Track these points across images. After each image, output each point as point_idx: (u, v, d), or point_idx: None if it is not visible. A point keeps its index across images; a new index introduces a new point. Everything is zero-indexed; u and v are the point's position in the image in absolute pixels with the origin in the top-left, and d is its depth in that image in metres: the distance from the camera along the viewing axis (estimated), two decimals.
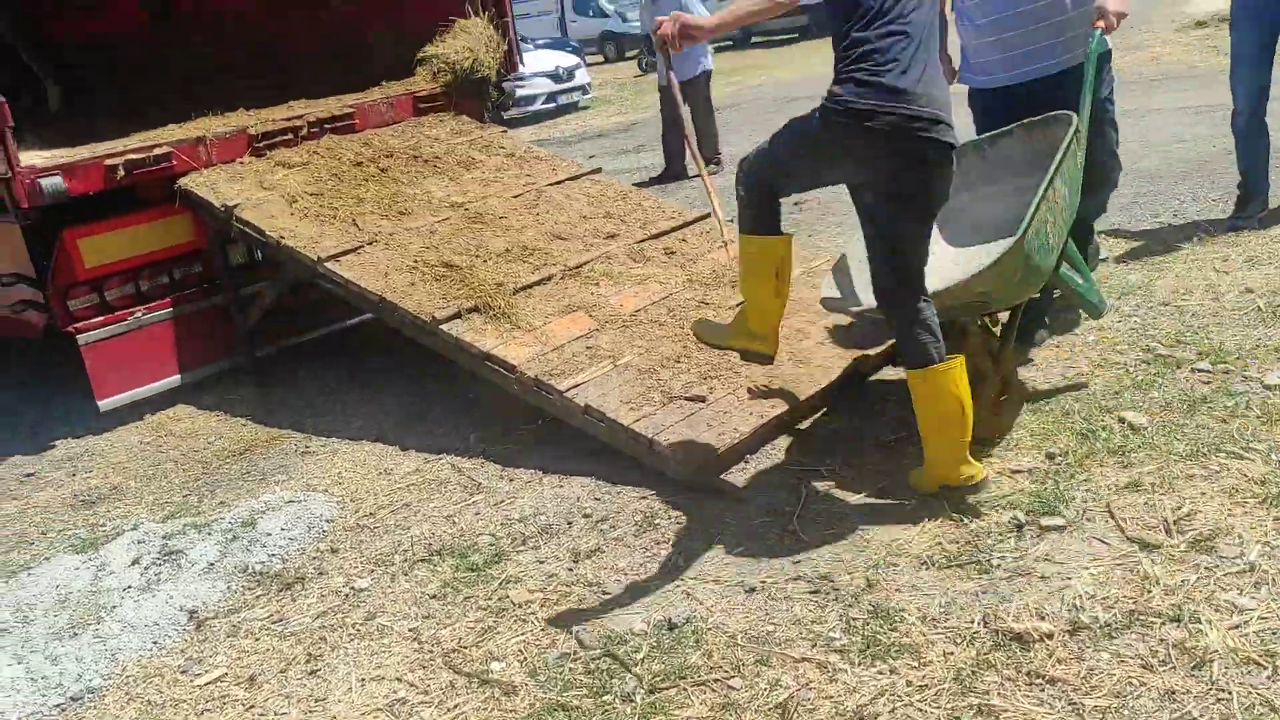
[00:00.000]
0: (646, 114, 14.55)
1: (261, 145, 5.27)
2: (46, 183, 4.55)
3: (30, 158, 4.76)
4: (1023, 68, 3.89)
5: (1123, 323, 4.07)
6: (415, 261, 4.51)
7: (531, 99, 17.00)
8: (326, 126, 5.51)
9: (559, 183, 5.35)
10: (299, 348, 5.39)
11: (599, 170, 5.57)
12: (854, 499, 3.22)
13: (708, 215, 5.17)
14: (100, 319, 4.88)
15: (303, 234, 4.66)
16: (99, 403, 4.86)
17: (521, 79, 17.02)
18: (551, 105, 17.20)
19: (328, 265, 4.46)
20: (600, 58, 27.31)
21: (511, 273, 4.48)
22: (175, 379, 5.12)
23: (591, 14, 27.78)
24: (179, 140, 5.07)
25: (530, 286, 4.41)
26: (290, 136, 5.38)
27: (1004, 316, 3.56)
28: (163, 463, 4.48)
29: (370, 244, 4.62)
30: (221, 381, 5.25)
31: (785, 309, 3.36)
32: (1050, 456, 3.18)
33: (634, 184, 8.93)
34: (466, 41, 6.03)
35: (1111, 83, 3.95)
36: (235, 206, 4.80)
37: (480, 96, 6.13)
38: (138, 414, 5.01)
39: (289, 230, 4.68)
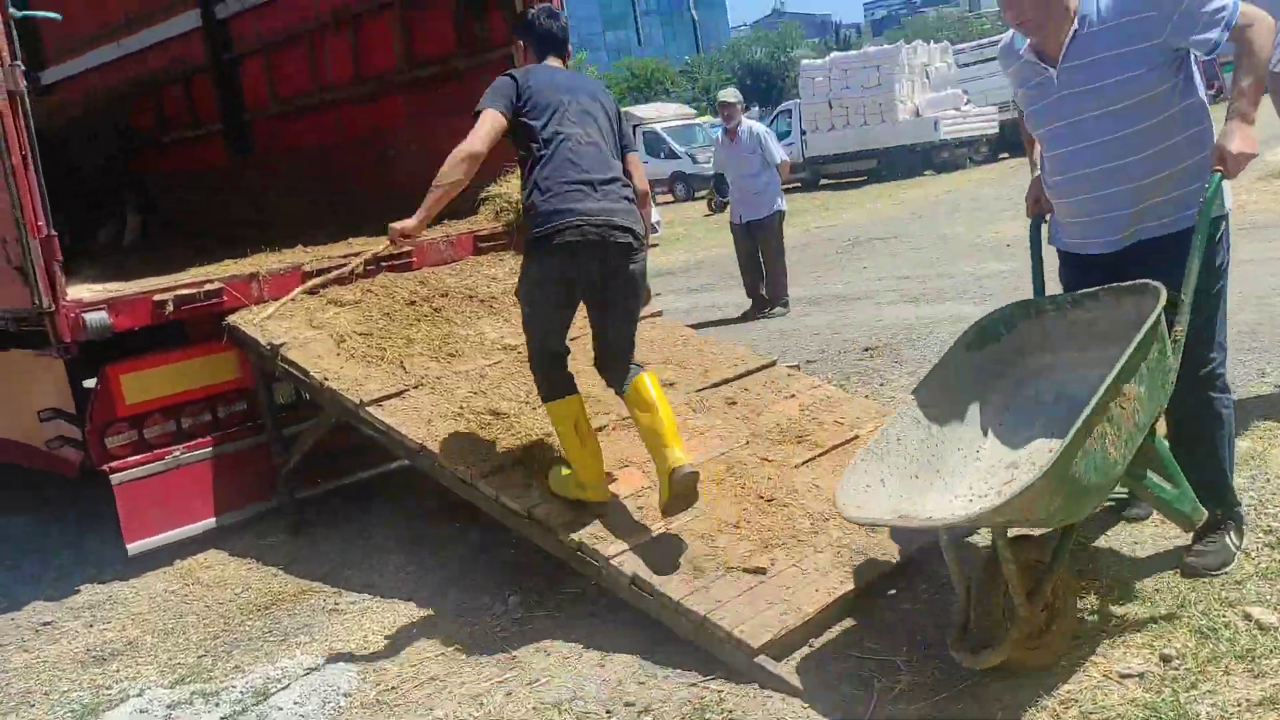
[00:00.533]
0: (714, 252, 14.48)
1: (317, 281, 5.14)
2: (91, 318, 4.44)
3: (79, 291, 4.67)
4: (1094, 236, 3.21)
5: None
6: (461, 408, 4.27)
7: None
8: (383, 264, 5.37)
9: None
10: (341, 490, 5.15)
11: (660, 313, 5.34)
12: (935, 700, 2.80)
13: (772, 363, 4.89)
14: (137, 458, 4.71)
15: (347, 376, 4.45)
16: (128, 546, 4.63)
17: None
18: None
19: (369, 410, 4.24)
20: (670, 197, 27.72)
21: None
22: (211, 522, 4.89)
23: (662, 155, 28.26)
24: (231, 276, 4.96)
25: None
26: (346, 274, 5.25)
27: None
28: (184, 615, 4.21)
29: (416, 388, 4.40)
30: (259, 525, 5.00)
31: (602, 457, 3.78)
32: (1165, 659, 2.75)
33: (708, 321, 8.79)
34: None
35: (1226, 252, 3.18)
36: (281, 345, 4.63)
37: None
38: (169, 558, 4.77)
39: (334, 371, 4.48)
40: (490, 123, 3.69)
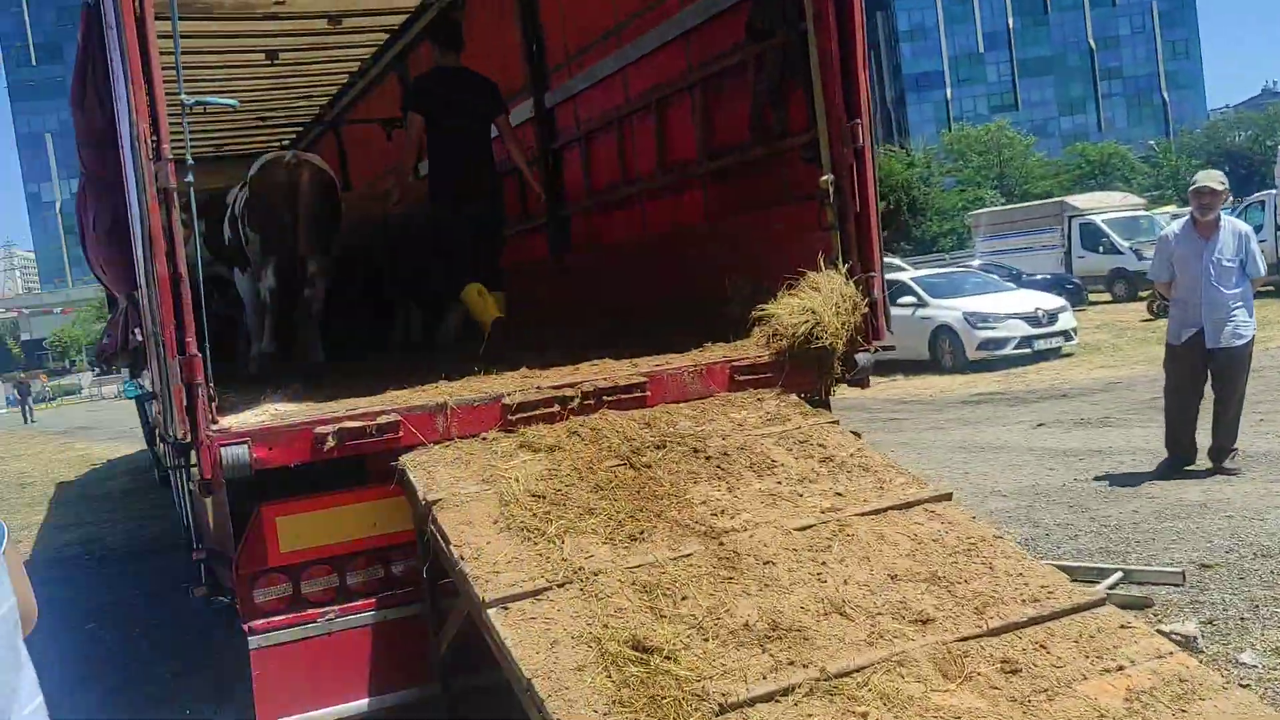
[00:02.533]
0: (1134, 371, 12.04)
1: (515, 418, 4.21)
2: (228, 453, 3.78)
3: (240, 419, 4.06)
4: None
5: None
6: (605, 628, 3.05)
7: (1002, 342, 15.13)
8: (606, 398, 4.33)
9: (878, 512, 3.65)
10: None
11: (948, 497, 3.79)
12: None
13: (1101, 602, 3.19)
14: (284, 617, 3.98)
15: (489, 557, 3.41)
16: None
17: (992, 324, 15.25)
18: (1026, 350, 15.13)
19: (490, 614, 3.16)
20: (1107, 296, 24.56)
21: (734, 670, 2.86)
22: (363, 704, 4.04)
23: (1101, 250, 25.19)
24: (412, 407, 4.14)
25: (752, 703, 2.76)
26: (555, 409, 4.27)
27: None
28: None
29: (563, 585, 3.26)
30: (414, 715, 4.08)
31: None
32: None
33: (1098, 475, 6.75)
34: (810, 301, 4.63)
35: None
36: (436, 502, 3.71)
37: (820, 371, 4.66)
38: None
39: (477, 548, 3.47)
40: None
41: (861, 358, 4.72)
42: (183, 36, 8.58)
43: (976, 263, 26.80)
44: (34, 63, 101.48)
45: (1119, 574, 4.77)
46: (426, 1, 8.94)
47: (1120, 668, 2.88)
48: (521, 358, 5.27)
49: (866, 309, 4.71)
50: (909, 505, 3.69)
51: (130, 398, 12.83)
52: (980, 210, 39.46)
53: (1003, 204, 48.42)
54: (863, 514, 3.63)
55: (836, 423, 4.37)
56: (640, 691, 2.78)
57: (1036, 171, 62.82)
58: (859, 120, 4.70)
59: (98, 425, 29.65)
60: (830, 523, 3.58)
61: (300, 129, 13.60)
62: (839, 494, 3.78)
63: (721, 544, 3.45)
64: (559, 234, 7.94)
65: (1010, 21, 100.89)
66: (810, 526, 3.55)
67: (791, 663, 2.89)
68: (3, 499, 15.24)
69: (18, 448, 25.34)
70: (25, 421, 38.47)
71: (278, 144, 14.48)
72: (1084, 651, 2.94)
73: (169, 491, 9.34)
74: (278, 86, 11.28)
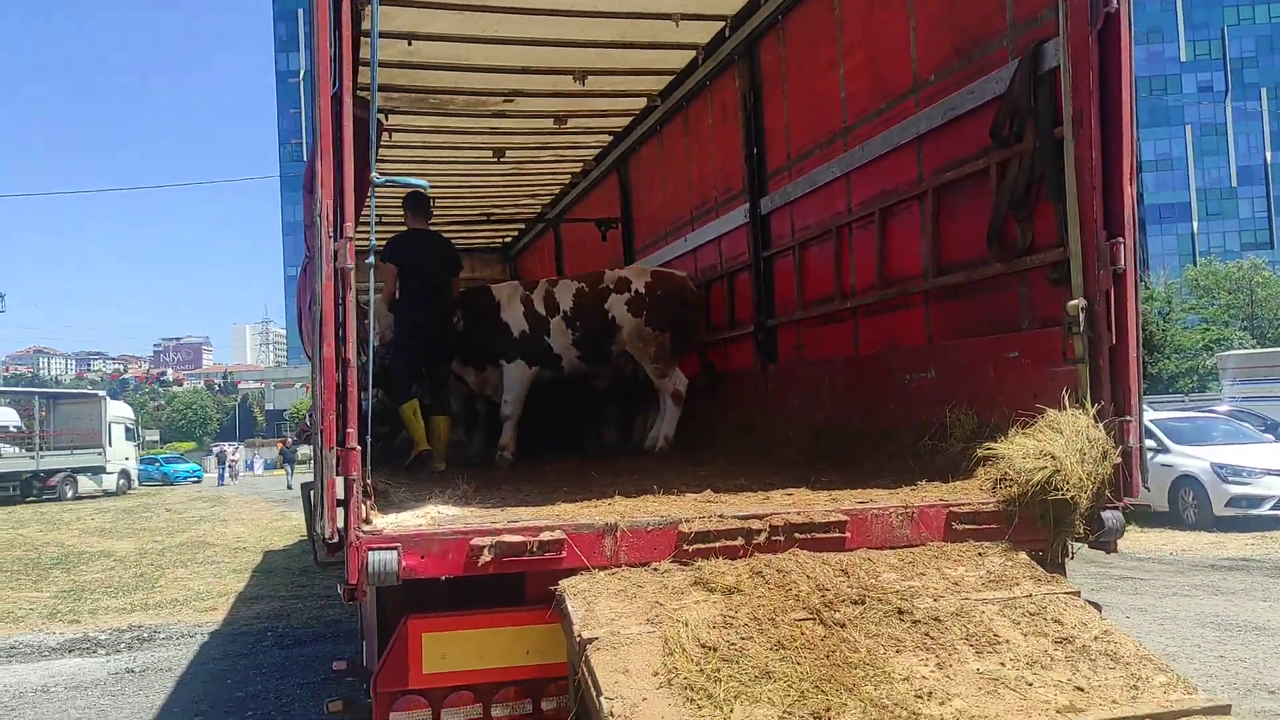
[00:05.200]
0: None
1: (692, 549, 3.70)
2: (375, 557, 3.44)
3: (397, 520, 3.74)
4: None
5: None
6: None
7: (1258, 501, 13.49)
8: (798, 535, 3.78)
9: None
10: None
11: (1226, 710, 2.99)
12: None
13: None
14: None
15: (644, 718, 2.89)
16: None
17: (1246, 478, 13.65)
18: None
19: None
20: None
21: None
22: None
23: None
24: (580, 526, 3.70)
25: None
26: (739, 543, 3.74)
27: None
28: None
29: None
30: None
31: None
32: None
33: None
34: (1049, 443, 3.95)
35: None
36: (591, 641, 3.23)
37: (1057, 528, 3.94)
38: None
39: (632, 704, 2.95)
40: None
41: (1109, 516, 3.98)
42: (416, 130, 8.99)
43: (1224, 408, 24.45)
44: (304, 158, 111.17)
45: None
46: (651, 105, 8.90)
47: None
48: (707, 478, 4.80)
49: (1118, 459, 3.98)
50: (1174, 717, 2.92)
51: None
52: (1230, 351, 36.40)
53: (1253, 346, 44.70)
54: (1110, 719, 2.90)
55: (1077, 593, 3.63)
56: None
57: None
58: (1121, 239, 4.05)
59: None
60: None
61: (522, 226, 13.86)
62: (1079, 689, 3.05)
63: None
64: (765, 344, 7.48)
65: (1268, 156, 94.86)
66: None
67: None
68: (216, 562, 15.84)
69: (243, 512, 26.67)
70: (289, 486, 37.07)
71: (500, 240, 14.86)
72: None
73: None
74: (504, 184, 11.53)
